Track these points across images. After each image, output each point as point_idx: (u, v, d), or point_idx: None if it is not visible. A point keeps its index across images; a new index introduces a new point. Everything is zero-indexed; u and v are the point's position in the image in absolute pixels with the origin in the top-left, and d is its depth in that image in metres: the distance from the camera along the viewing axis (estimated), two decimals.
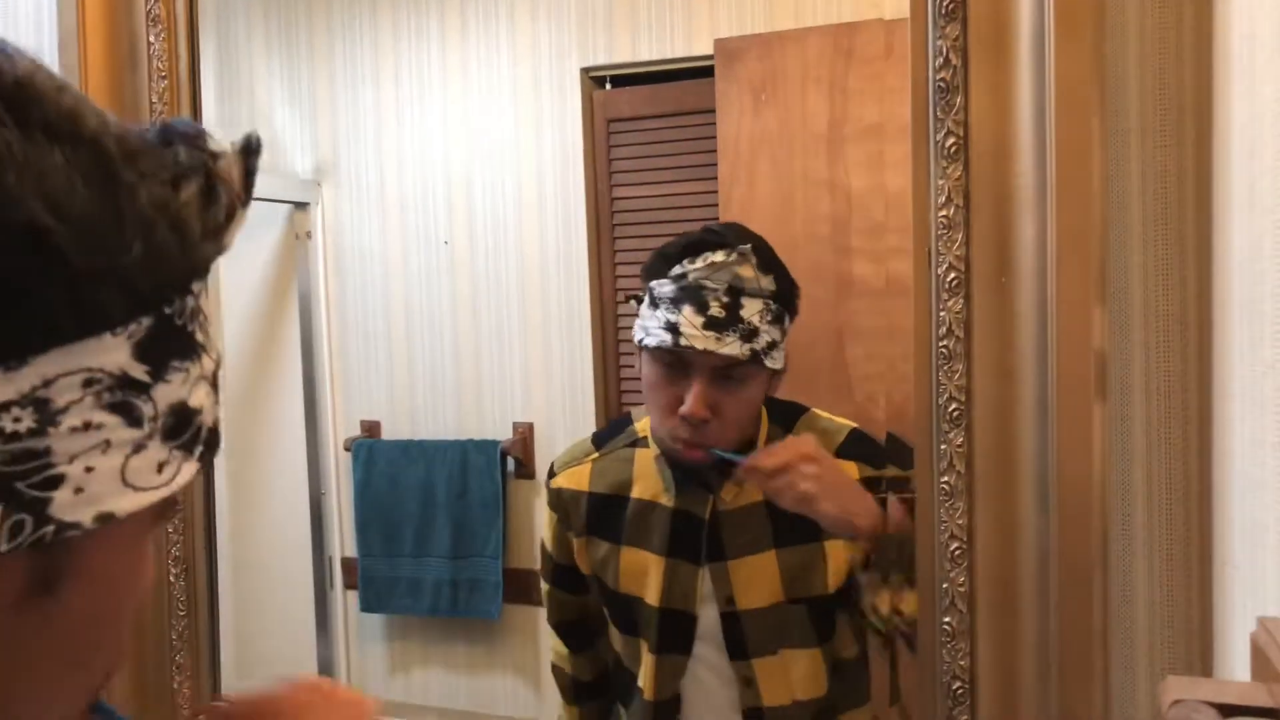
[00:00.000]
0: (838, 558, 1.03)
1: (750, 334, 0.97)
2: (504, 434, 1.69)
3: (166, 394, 0.39)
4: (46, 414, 0.35)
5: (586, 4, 1.64)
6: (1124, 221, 0.81)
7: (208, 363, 0.43)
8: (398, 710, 1.68)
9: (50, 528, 0.35)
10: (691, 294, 0.98)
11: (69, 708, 0.42)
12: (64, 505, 0.35)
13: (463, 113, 1.71)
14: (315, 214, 1.72)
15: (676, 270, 0.99)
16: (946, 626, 0.84)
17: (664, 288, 1.00)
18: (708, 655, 1.07)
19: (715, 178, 1.54)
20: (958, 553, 0.83)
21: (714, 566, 1.05)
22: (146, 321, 0.37)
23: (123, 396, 0.37)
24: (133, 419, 0.38)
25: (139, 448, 0.38)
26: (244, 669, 1.36)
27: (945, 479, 0.83)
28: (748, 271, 0.97)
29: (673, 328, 0.97)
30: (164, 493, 0.39)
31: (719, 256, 0.97)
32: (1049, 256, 0.77)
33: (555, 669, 1.23)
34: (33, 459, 0.35)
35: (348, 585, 1.72)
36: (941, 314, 0.82)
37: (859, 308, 1.44)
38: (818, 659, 1.05)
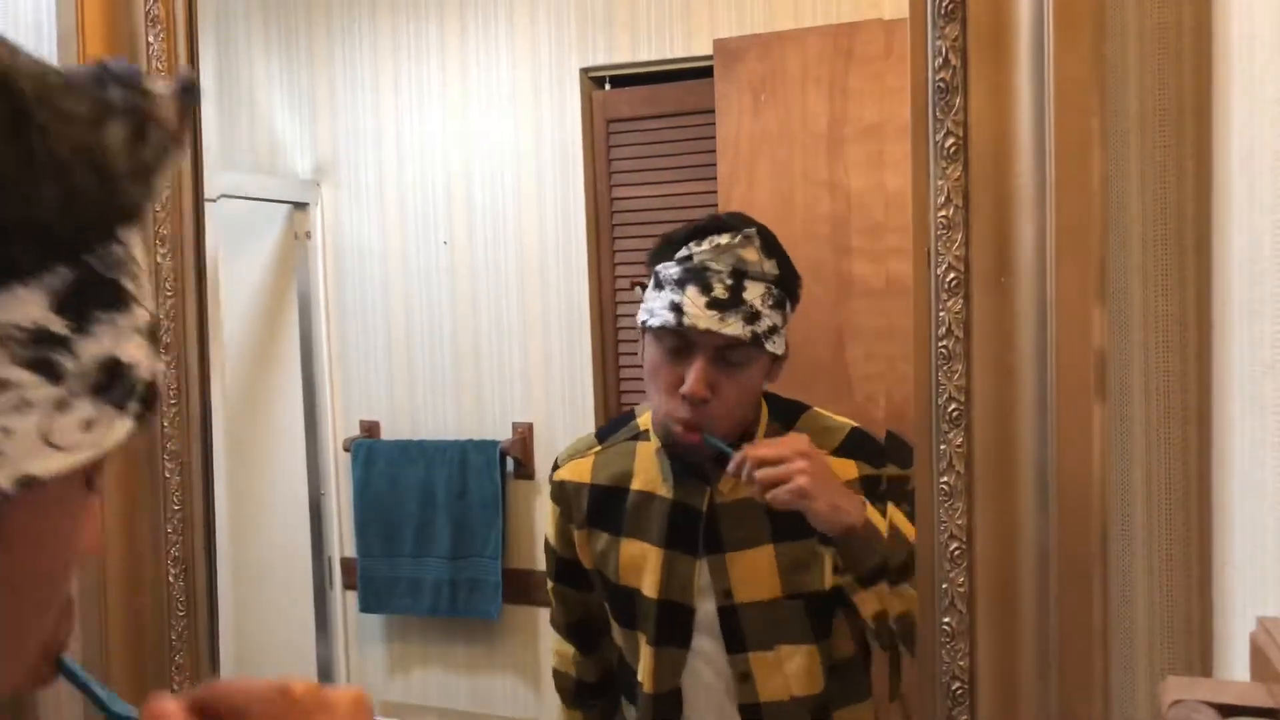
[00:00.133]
0: (833, 555, 1.03)
1: (752, 316, 0.99)
2: (503, 434, 1.69)
3: (92, 348, 0.37)
4: None
5: (586, 5, 1.64)
6: (1124, 221, 0.81)
7: (141, 314, 0.39)
8: (398, 710, 1.68)
9: None
10: (696, 275, 1.00)
11: (7, 671, 0.41)
12: None
13: (462, 113, 1.71)
14: (315, 214, 1.72)
15: (682, 253, 1.02)
16: (946, 626, 0.84)
17: (669, 270, 1.02)
18: (706, 649, 1.07)
19: (715, 178, 1.54)
20: (957, 553, 0.83)
21: (712, 559, 1.06)
22: (65, 271, 0.35)
23: (40, 352, 0.35)
24: (53, 375, 0.35)
25: (62, 405, 0.36)
26: (244, 669, 1.36)
27: (945, 479, 0.83)
28: (751, 255, 1.00)
29: (676, 308, 0.99)
30: (92, 452, 0.37)
31: (724, 239, 1.00)
32: (1049, 256, 0.78)
33: (557, 674, 1.22)
34: None
35: (347, 585, 1.71)
36: (941, 314, 0.82)
37: (859, 308, 1.44)
38: (814, 656, 1.05)
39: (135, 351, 0.39)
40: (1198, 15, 0.78)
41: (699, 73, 1.59)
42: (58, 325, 0.35)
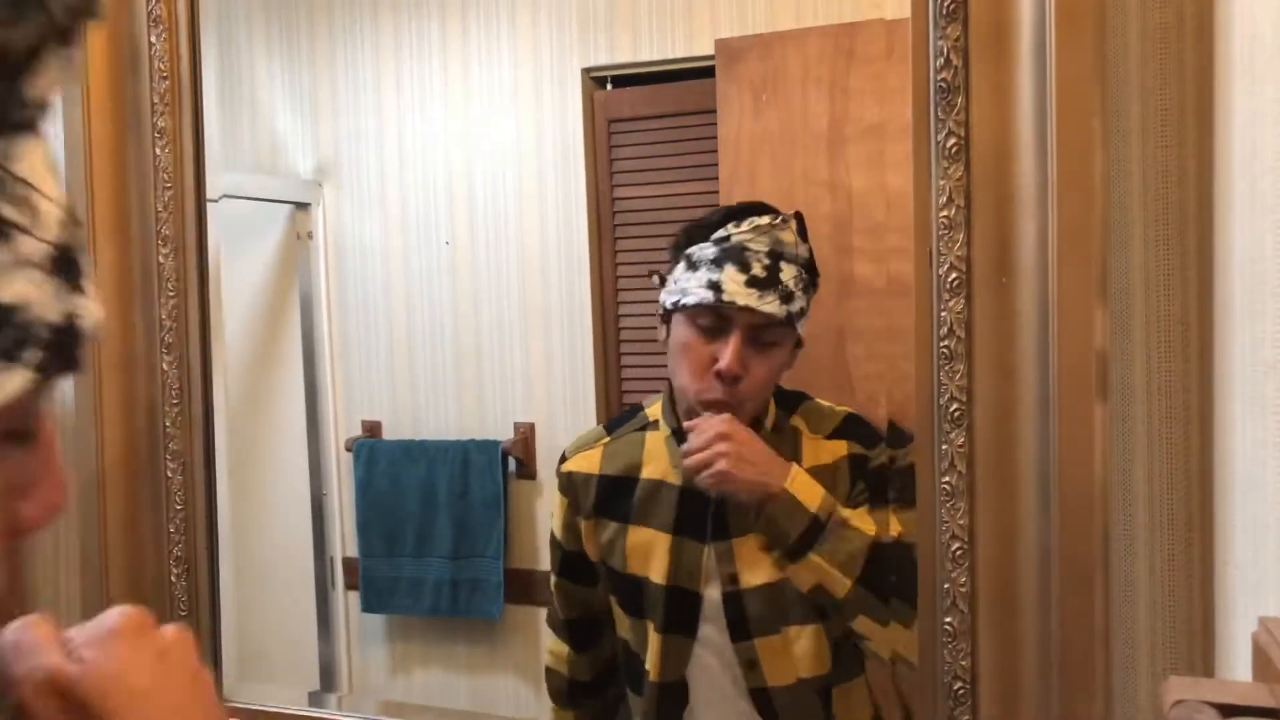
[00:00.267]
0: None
1: (787, 296, 1.03)
2: (505, 434, 1.69)
3: None
4: None
5: (588, 5, 1.64)
6: (1124, 221, 0.81)
7: (31, 245, 0.33)
8: (398, 710, 1.68)
9: None
10: (734, 254, 1.03)
11: None
12: None
13: (464, 113, 1.71)
14: (316, 214, 1.72)
15: (720, 234, 1.05)
16: (948, 626, 0.84)
17: (705, 250, 1.05)
18: (713, 638, 1.08)
19: (716, 178, 1.54)
20: (959, 553, 0.83)
21: (718, 544, 1.07)
22: None
23: None
24: None
25: None
26: (245, 669, 1.36)
27: (946, 479, 0.83)
28: (788, 237, 1.04)
29: (715, 286, 1.02)
30: None
31: (763, 220, 1.04)
32: (1050, 256, 0.78)
33: (550, 672, 1.23)
34: None
35: (349, 585, 1.71)
36: (942, 314, 0.82)
37: (859, 308, 1.43)
38: (820, 635, 1.06)
39: (28, 290, 0.33)
40: (1199, 15, 0.78)
41: (700, 73, 1.58)
42: None
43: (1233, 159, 0.70)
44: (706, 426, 1.02)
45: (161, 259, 1.17)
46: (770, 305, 1.02)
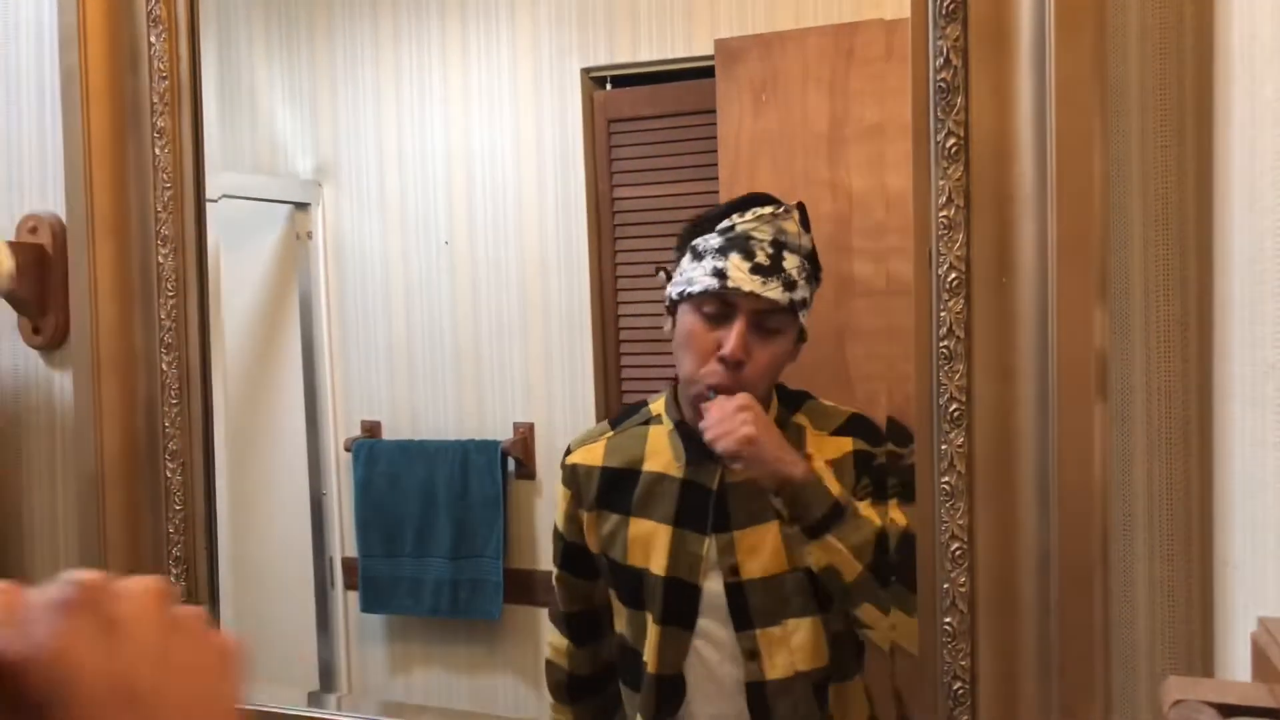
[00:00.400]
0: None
1: (790, 284, 1.05)
2: (504, 434, 1.69)
3: None
4: None
5: (587, 5, 1.64)
6: (1124, 221, 0.81)
7: None
8: (397, 710, 1.68)
9: None
10: (739, 243, 1.06)
11: None
12: None
13: (463, 113, 1.71)
14: (316, 214, 1.71)
15: (724, 224, 1.08)
16: (947, 627, 0.84)
17: (710, 240, 1.08)
18: (712, 630, 1.09)
19: (716, 178, 1.54)
20: (958, 553, 0.83)
21: (719, 536, 1.08)
22: None
23: None
24: None
25: None
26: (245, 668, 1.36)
27: (946, 479, 0.83)
28: (792, 227, 1.07)
29: (720, 273, 1.05)
30: None
31: (767, 210, 1.07)
32: (1049, 256, 0.77)
33: (550, 666, 1.24)
34: None
35: (348, 585, 1.71)
36: (942, 314, 0.82)
37: (859, 308, 1.43)
38: (819, 628, 1.07)
39: None
40: (1198, 15, 0.78)
41: (700, 73, 1.58)
42: None
43: (1232, 159, 0.70)
44: (727, 401, 1.04)
45: (161, 259, 1.17)
46: (774, 291, 1.04)
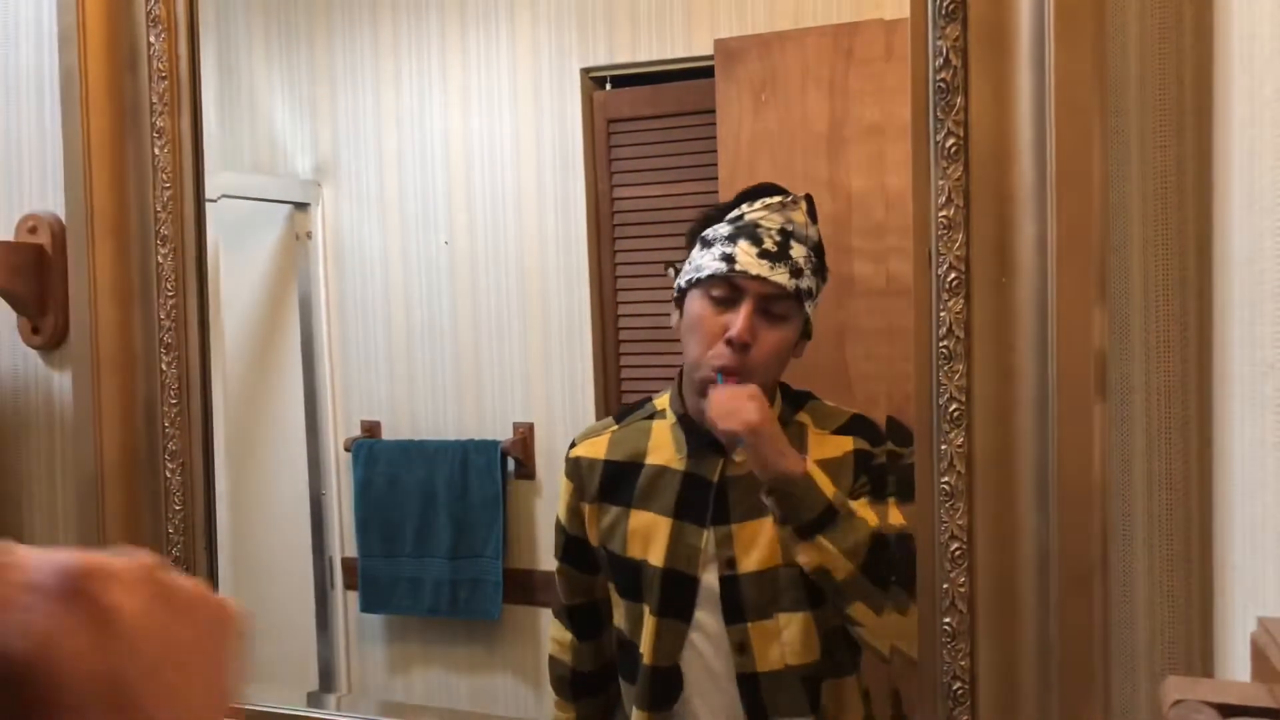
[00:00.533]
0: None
1: (797, 272, 1.08)
2: (504, 434, 1.69)
3: None
4: None
5: (587, 5, 1.64)
6: (1124, 221, 0.81)
7: None
8: (397, 710, 1.68)
9: None
10: (747, 231, 1.09)
11: None
12: None
13: (463, 113, 1.71)
14: (315, 214, 1.71)
15: (734, 214, 1.11)
16: (947, 627, 0.84)
17: (720, 229, 1.11)
18: (707, 623, 1.10)
19: (716, 178, 1.54)
20: (958, 553, 0.83)
21: (718, 529, 1.09)
22: None
23: None
24: None
25: None
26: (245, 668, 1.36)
27: (945, 479, 0.83)
28: (799, 217, 1.10)
29: (728, 258, 1.08)
30: None
31: (775, 200, 1.10)
32: (1049, 256, 0.77)
33: (553, 662, 1.25)
34: None
35: (348, 585, 1.71)
36: (942, 314, 0.82)
37: (859, 308, 1.43)
38: (810, 624, 1.07)
39: None
40: (1198, 15, 0.78)
41: (700, 73, 1.58)
42: None
43: (1232, 159, 0.70)
44: (734, 388, 1.06)
45: (160, 259, 1.17)
46: (780, 276, 1.06)
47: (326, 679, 1.68)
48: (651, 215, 1.65)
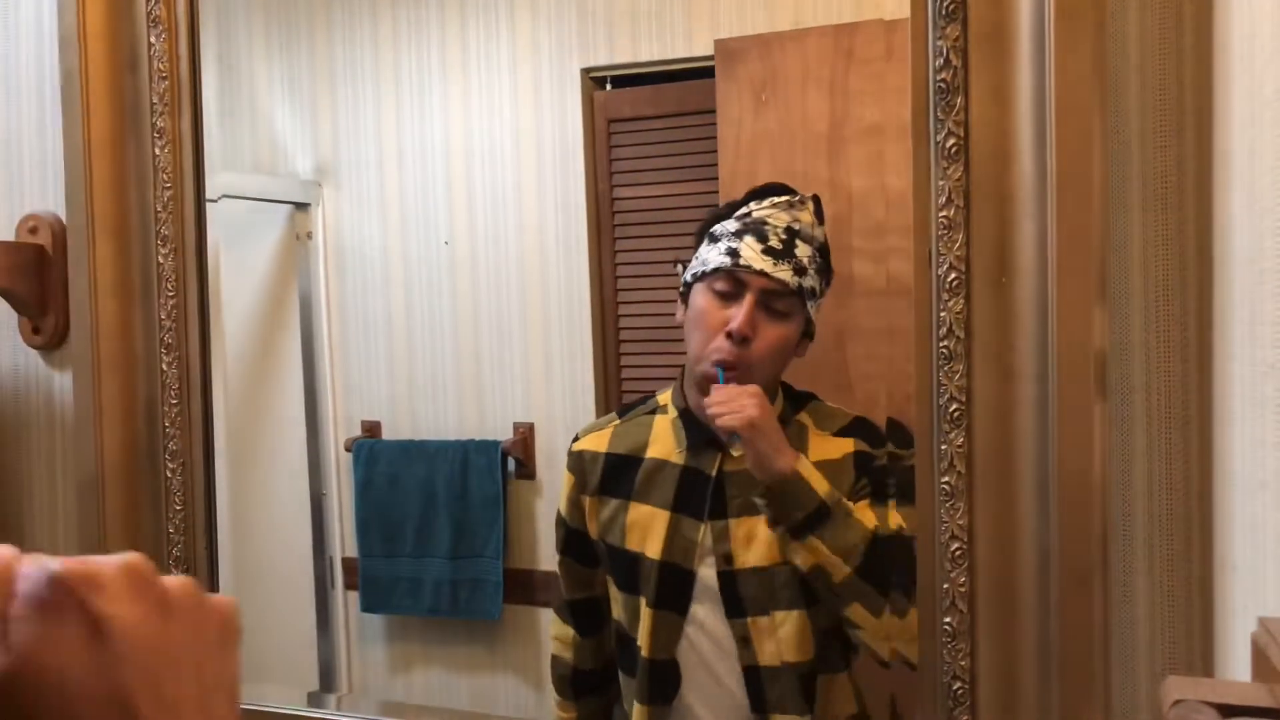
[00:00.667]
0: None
1: (800, 270, 1.09)
2: (504, 434, 1.69)
3: None
4: None
5: (587, 5, 1.64)
6: (1125, 221, 0.81)
7: None
8: (397, 710, 1.68)
9: None
10: (754, 228, 1.11)
11: None
12: None
13: (463, 113, 1.71)
14: (316, 214, 1.71)
15: (742, 211, 1.13)
16: (947, 627, 0.84)
17: (727, 225, 1.13)
18: (704, 617, 1.11)
19: (716, 178, 1.54)
20: (958, 553, 0.83)
21: (715, 523, 1.10)
22: None
23: None
24: None
25: None
26: (245, 668, 1.36)
27: (946, 479, 0.83)
28: (806, 217, 1.12)
29: (733, 253, 1.10)
30: None
31: (783, 199, 1.13)
32: (1049, 256, 0.78)
33: (555, 660, 1.25)
34: None
35: (348, 585, 1.71)
36: (942, 314, 0.82)
37: (859, 308, 1.43)
38: (804, 622, 1.08)
39: None
40: (1198, 15, 0.78)
41: (700, 73, 1.58)
42: None
43: (1232, 159, 0.70)
44: (736, 386, 1.07)
45: (161, 259, 1.17)
46: (784, 273, 1.08)
47: (327, 679, 1.68)
48: (652, 215, 1.65)
